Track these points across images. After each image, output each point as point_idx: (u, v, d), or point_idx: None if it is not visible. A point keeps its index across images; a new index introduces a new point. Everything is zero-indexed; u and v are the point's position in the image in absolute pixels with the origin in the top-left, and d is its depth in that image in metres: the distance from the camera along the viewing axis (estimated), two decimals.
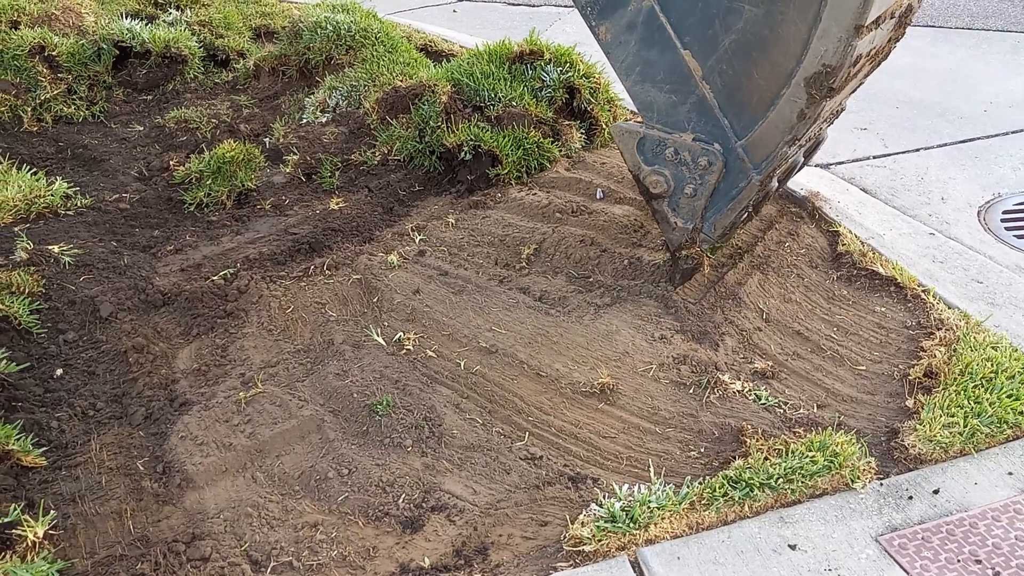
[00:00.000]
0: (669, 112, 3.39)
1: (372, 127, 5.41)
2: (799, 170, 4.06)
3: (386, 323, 3.69)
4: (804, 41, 2.90)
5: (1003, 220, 4.57)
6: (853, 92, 3.60)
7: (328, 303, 3.84)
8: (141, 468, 2.98)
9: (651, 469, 2.92)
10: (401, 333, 3.60)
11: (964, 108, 6.17)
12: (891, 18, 3.10)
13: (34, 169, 5.03)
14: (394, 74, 5.73)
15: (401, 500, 2.82)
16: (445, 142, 4.89)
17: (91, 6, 7.34)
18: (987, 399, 3.01)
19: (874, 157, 5.42)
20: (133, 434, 3.15)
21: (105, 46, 6.49)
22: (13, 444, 2.90)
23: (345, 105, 5.72)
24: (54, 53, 6.25)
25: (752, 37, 3.02)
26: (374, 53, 6.10)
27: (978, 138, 5.66)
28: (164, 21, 7.26)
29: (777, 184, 3.77)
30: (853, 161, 5.37)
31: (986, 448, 2.91)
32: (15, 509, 2.64)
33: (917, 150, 5.53)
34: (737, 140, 3.27)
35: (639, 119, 3.76)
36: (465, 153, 4.82)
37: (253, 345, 3.61)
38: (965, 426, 2.92)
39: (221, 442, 3.07)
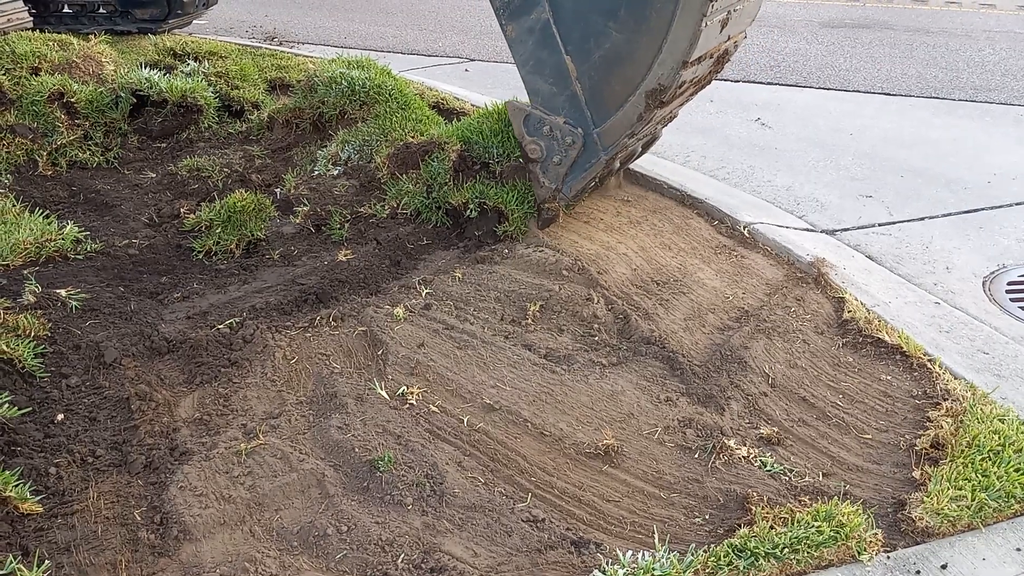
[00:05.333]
0: (550, 99, 4.42)
1: (382, 181, 5.47)
2: (638, 158, 5.42)
3: (390, 376, 3.68)
4: (649, 65, 3.99)
5: (1008, 291, 4.59)
6: (682, 105, 4.96)
7: (332, 355, 3.84)
8: (139, 518, 2.94)
9: (655, 535, 2.88)
10: (405, 387, 3.59)
11: (968, 179, 6.24)
12: (710, 58, 4.26)
13: (46, 212, 5.07)
14: (406, 130, 5.81)
15: (400, 560, 2.78)
16: (451, 200, 4.94)
17: (111, 55, 7.48)
18: (995, 472, 2.98)
19: (879, 224, 5.46)
20: (132, 483, 3.12)
21: (123, 94, 6.59)
22: (11, 491, 2.87)
23: (357, 159, 5.79)
24: (72, 100, 6.36)
25: (615, 55, 4.07)
26: (387, 109, 6.19)
27: (982, 208, 5.71)
28: (182, 72, 7.39)
29: (619, 165, 5.01)
30: (859, 228, 5.41)
31: (994, 523, 2.87)
32: (11, 561, 2.60)
33: (922, 219, 5.57)
34: (594, 127, 4.36)
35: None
36: (471, 210, 4.87)
37: (256, 395, 3.59)
38: (973, 500, 2.88)
39: (221, 494, 3.04)
